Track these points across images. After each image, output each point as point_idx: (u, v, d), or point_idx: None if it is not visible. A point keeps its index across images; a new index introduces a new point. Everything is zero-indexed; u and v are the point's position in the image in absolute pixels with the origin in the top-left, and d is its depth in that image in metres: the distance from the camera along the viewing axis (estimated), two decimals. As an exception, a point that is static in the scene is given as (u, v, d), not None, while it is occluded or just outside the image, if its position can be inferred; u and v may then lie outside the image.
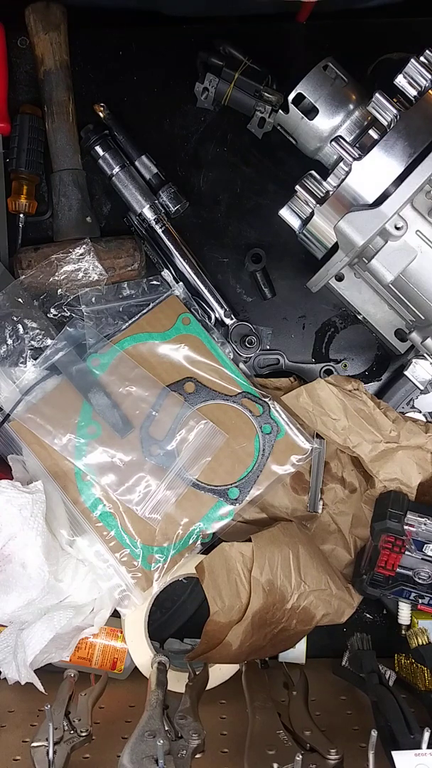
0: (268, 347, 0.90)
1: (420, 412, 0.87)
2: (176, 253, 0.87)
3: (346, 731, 0.71)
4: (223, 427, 0.82)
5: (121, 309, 0.84)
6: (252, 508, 0.83)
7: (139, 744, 0.58)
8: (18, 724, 0.73)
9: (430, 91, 0.65)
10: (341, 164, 0.68)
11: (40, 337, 0.83)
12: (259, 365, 0.90)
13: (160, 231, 0.86)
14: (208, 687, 0.77)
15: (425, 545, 0.78)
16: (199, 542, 0.80)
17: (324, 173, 0.72)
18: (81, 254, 0.83)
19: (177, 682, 0.77)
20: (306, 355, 0.90)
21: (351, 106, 0.72)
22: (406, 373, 0.78)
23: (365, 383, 0.87)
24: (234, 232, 0.90)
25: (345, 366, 0.90)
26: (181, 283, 0.85)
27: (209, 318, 0.87)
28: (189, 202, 0.88)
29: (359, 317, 0.87)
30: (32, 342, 0.82)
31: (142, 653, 0.81)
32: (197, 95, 0.86)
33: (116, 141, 0.87)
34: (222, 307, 0.87)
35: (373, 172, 0.64)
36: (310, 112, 0.73)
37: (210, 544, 0.81)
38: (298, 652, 0.85)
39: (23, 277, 0.83)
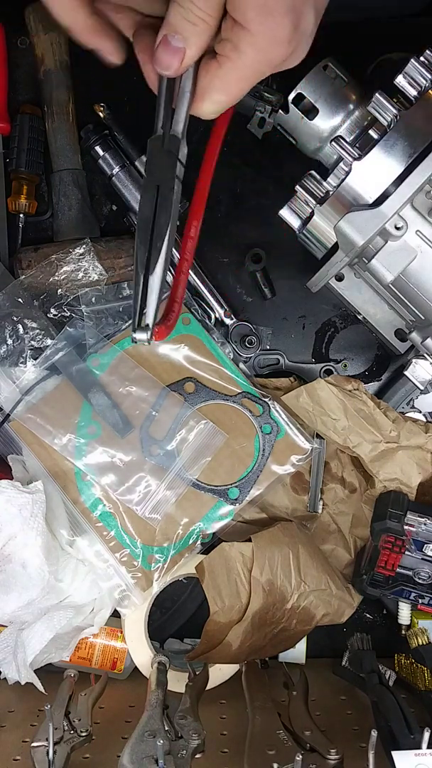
0: (268, 347, 0.90)
1: (420, 412, 0.87)
2: (176, 253, 0.86)
3: (346, 731, 0.71)
4: (223, 427, 0.82)
5: (121, 309, 0.84)
6: (252, 508, 0.83)
7: (139, 744, 0.58)
8: (18, 724, 0.73)
9: (430, 91, 0.65)
10: (341, 164, 0.68)
11: (40, 337, 0.83)
12: (259, 365, 0.90)
13: (160, 231, 0.86)
14: (208, 687, 0.77)
15: (425, 545, 0.78)
16: (199, 542, 0.80)
17: (324, 173, 0.72)
18: (81, 254, 0.83)
19: (177, 682, 0.77)
20: (306, 355, 0.90)
21: (351, 106, 0.72)
22: (406, 373, 0.77)
23: (365, 383, 0.86)
24: (234, 232, 0.90)
25: (345, 366, 0.90)
26: (181, 283, 0.85)
27: (209, 318, 0.86)
28: (189, 202, 0.87)
29: (359, 317, 0.87)
30: (32, 342, 0.82)
31: (142, 653, 0.81)
32: (197, 95, 0.86)
33: (116, 141, 0.86)
34: (222, 307, 0.87)
35: (373, 172, 0.64)
36: (310, 112, 0.73)
37: (210, 544, 0.81)
38: (298, 652, 0.85)
39: (23, 277, 0.83)
